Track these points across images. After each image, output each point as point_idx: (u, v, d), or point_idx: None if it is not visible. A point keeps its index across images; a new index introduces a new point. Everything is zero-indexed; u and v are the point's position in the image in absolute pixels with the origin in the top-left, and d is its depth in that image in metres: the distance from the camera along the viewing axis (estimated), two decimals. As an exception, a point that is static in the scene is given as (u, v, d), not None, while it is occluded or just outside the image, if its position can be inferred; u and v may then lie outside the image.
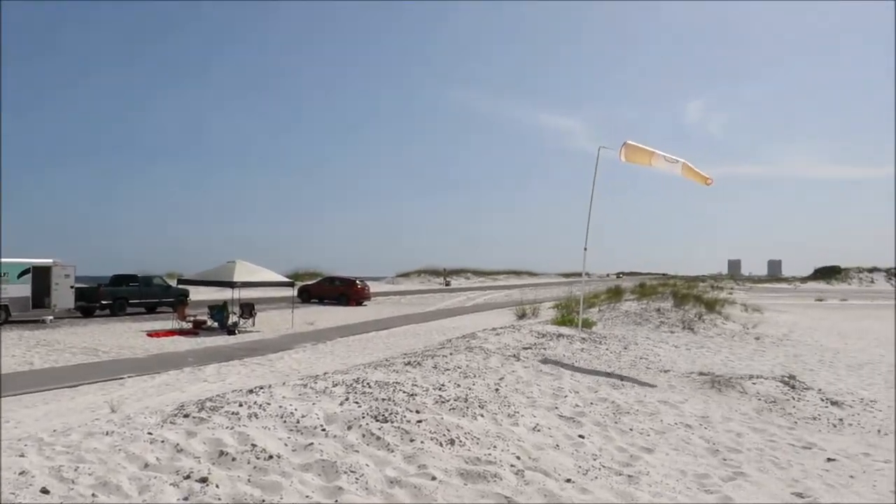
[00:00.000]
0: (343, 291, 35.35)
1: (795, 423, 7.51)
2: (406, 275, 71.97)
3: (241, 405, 4.94)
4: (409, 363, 7.28)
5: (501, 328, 11.70)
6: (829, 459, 6.10)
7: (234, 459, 3.96)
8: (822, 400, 8.61)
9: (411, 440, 4.63)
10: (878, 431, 7.56)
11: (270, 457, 4.03)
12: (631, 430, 6.05)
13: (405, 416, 5.04)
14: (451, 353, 8.22)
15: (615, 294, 24.84)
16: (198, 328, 20.45)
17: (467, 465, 4.37)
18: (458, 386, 6.37)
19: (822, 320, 26.24)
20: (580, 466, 4.82)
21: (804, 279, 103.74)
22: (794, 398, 8.46)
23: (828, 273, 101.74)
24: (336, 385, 5.77)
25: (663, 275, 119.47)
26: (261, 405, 4.96)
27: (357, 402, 5.25)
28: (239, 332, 20.30)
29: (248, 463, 3.94)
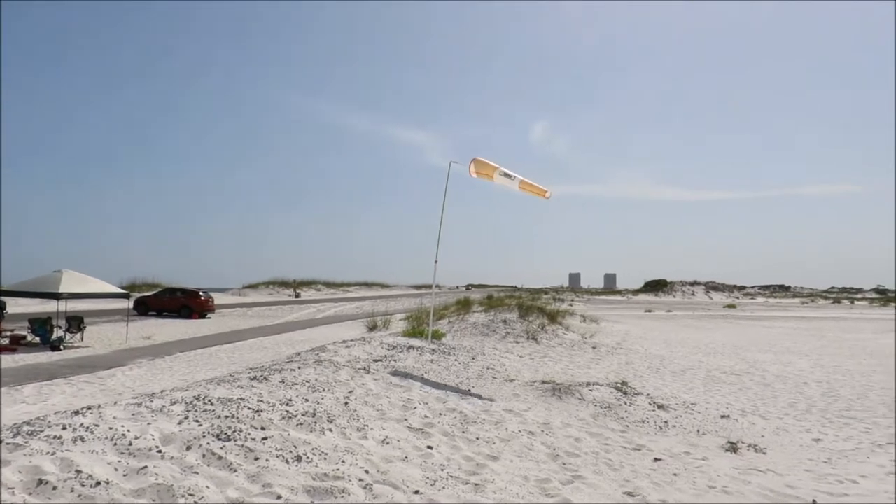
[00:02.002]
0: (185, 303, 33.49)
1: (627, 426, 8.04)
2: (254, 286, 69.54)
3: (64, 428, 4.52)
4: (254, 378, 7.02)
5: (352, 340, 11.59)
6: (656, 459, 6.59)
7: (55, 489, 3.61)
8: (650, 404, 9.29)
9: (256, 458, 4.45)
10: (697, 432, 8.26)
11: (98, 483, 3.72)
12: (477, 438, 6.20)
13: (249, 434, 4.84)
14: (299, 367, 8.02)
15: (464, 306, 25.41)
16: (16, 344, 18.54)
17: (314, 481, 4.28)
18: (307, 401, 6.22)
19: (651, 330, 28.34)
20: (428, 477, 4.86)
21: (636, 291, 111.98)
22: (626, 403, 9.06)
23: (656, 286, 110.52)
24: (174, 403, 5.44)
25: (512, 287, 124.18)
26: (88, 427, 4.56)
27: (197, 421, 4.97)
28: (65, 347, 18.64)
29: (72, 491, 3.60)
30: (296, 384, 6.91)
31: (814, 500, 5.75)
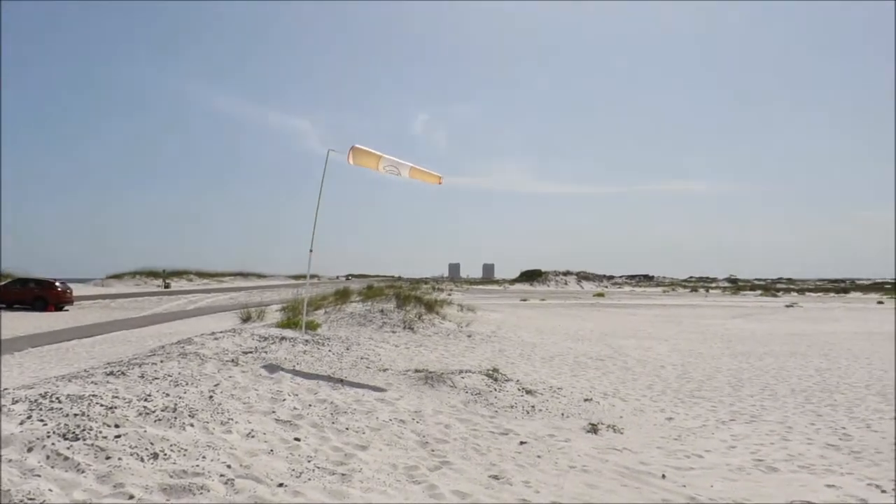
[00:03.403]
0: (39, 295, 31.06)
1: (496, 412, 8.27)
2: (119, 276, 65.68)
3: None
4: (111, 373, 6.64)
5: (221, 332, 11.20)
6: (521, 443, 6.83)
7: None
8: (519, 390, 9.61)
9: (107, 458, 4.22)
10: (562, 415, 8.64)
11: (-80, 492, 3.40)
12: (347, 429, 6.18)
13: (101, 432, 4.58)
14: (161, 361, 7.66)
15: (342, 296, 25.17)
16: None
17: (172, 478, 4.11)
18: (167, 395, 5.96)
19: (525, 318, 29.28)
20: (294, 469, 4.80)
21: (512, 281, 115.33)
22: (495, 389, 9.32)
23: (531, 276, 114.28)
24: (16, 402, 5.04)
25: (394, 277, 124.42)
26: (-89, 431, 4.16)
27: (42, 420, 4.64)
28: None
29: None
30: (157, 378, 6.60)
31: (663, 475, 6.18)
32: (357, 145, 10.77)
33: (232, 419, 5.67)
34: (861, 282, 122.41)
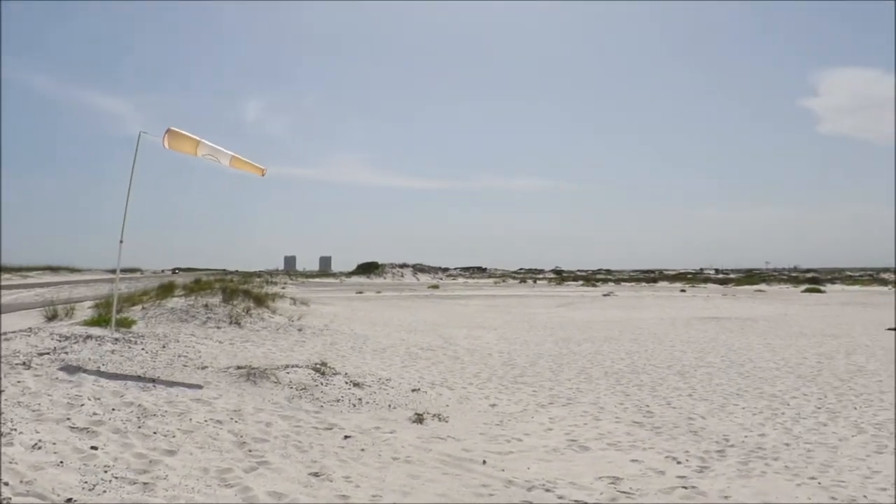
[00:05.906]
0: None
1: (321, 406, 8.08)
2: None
3: None
4: None
5: (13, 332, 10.03)
6: (346, 437, 6.71)
7: None
8: (347, 383, 9.48)
9: None
10: (389, 406, 8.63)
11: None
12: (155, 433, 5.73)
13: None
14: (-67, 367, 6.70)
15: (165, 291, 23.63)
16: None
17: (-70, 502, 3.57)
18: (-65, 406, 5.21)
19: (359, 311, 29.16)
20: (87, 482, 4.35)
21: (349, 274, 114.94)
22: (322, 383, 9.12)
23: (368, 269, 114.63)
24: None
25: (223, 270, 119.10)
26: None
27: None
28: None
29: None
30: (-76, 387, 5.75)
31: (484, 461, 6.33)
32: (173, 128, 10.01)
33: (15, 429, 5.05)
34: (668, 272, 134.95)
